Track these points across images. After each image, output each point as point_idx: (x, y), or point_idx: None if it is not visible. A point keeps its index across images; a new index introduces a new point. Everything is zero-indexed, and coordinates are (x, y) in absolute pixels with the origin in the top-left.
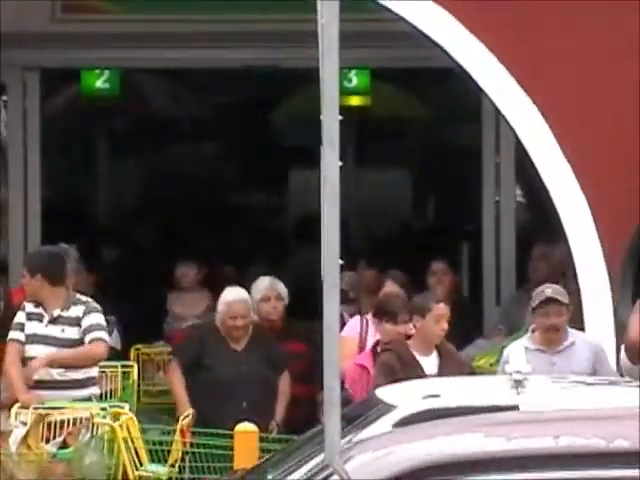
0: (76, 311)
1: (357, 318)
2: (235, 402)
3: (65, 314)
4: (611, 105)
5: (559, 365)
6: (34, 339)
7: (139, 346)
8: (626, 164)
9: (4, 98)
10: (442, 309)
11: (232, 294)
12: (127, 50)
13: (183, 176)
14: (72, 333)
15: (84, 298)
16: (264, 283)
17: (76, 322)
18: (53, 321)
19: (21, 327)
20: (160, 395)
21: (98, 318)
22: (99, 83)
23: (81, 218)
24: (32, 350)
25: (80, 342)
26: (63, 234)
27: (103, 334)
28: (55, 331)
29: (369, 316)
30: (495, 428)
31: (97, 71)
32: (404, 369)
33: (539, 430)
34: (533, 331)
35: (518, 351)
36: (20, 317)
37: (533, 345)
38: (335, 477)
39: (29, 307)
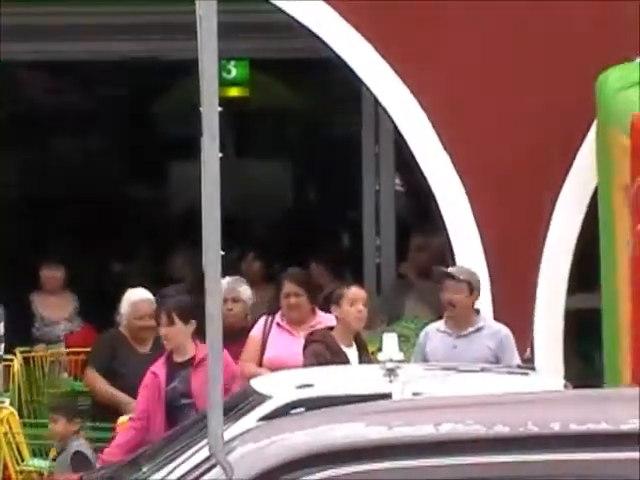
0: None
1: (263, 318)
2: None
3: None
4: (489, 93)
5: (460, 349)
6: None
7: (24, 348)
8: (503, 152)
9: None
10: (356, 292)
11: (136, 294)
12: (7, 43)
13: (63, 170)
14: None
15: None
16: (222, 284)
17: None
18: None
19: None
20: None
21: None
22: None
23: None
24: None
25: None
26: None
27: None
28: None
29: (278, 316)
30: (374, 416)
31: None
32: (333, 359)
33: (417, 417)
34: None
35: (432, 333)
36: None
37: (443, 327)
38: (217, 469)
39: None
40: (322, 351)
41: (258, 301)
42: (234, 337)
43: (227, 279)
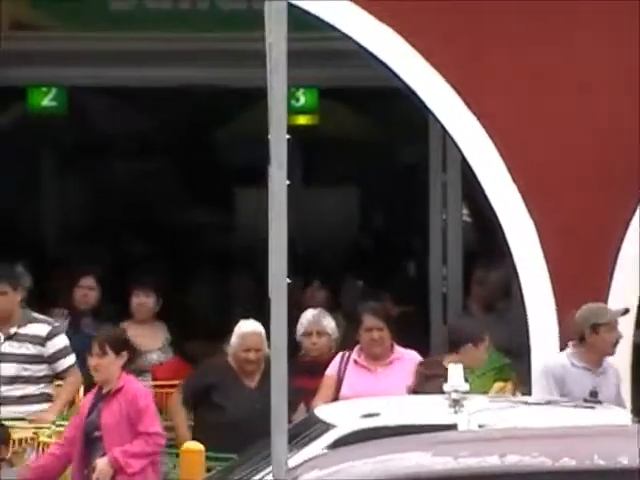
0: (36, 329)
1: (339, 355)
2: (245, 441)
3: (22, 331)
4: (559, 124)
5: (600, 385)
6: None
7: None
8: (574, 183)
9: None
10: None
11: (246, 326)
12: (73, 68)
13: (129, 195)
14: (32, 349)
15: (41, 316)
16: (307, 317)
17: (37, 340)
18: (9, 338)
19: None
20: None
21: (64, 341)
22: (46, 101)
23: (27, 237)
24: None
25: (42, 360)
26: (8, 253)
27: (73, 357)
28: (11, 348)
29: (355, 352)
30: (439, 447)
31: (44, 89)
32: None
33: (483, 448)
34: None
35: (567, 367)
36: None
37: (578, 362)
38: None
39: None
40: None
41: None
42: (318, 371)
43: (311, 312)
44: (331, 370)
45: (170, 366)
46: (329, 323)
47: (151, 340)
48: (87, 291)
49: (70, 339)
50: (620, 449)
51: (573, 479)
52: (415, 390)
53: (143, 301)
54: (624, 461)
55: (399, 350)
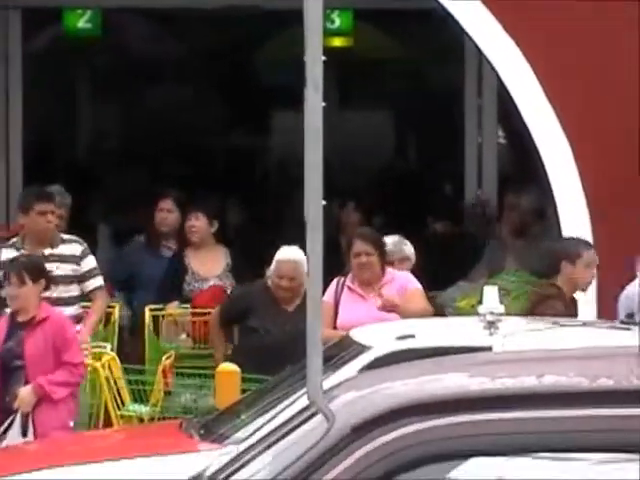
0: (70, 249)
1: (334, 281)
2: (282, 364)
3: (56, 252)
4: (598, 47)
5: None
6: None
7: (153, 306)
8: (613, 107)
9: None
10: (592, 256)
11: (283, 253)
12: None
13: (165, 118)
14: (67, 270)
15: (73, 237)
16: (387, 245)
17: (72, 260)
18: (44, 260)
19: None
20: (183, 359)
21: (94, 261)
22: (81, 23)
23: (62, 160)
24: None
25: (75, 279)
26: (44, 175)
27: (102, 279)
28: (50, 269)
29: (348, 279)
30: (476, 368)
31: (79, 11)
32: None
33: (519, 370)
34: None
35: None
36: None
37: None
38: (318, 417)
39: (8, 253)
40: (561, 308)
41: None
42: None
43: (391, 239)
44: (327, 296)
45: (209, 293)
46: (409, 249)
47: (209, 266)
48: (167, 214)
49: (148, 262)
50: None
51: (611, 399)
52: (530, 312)
53: (192, 224)
54: None
55: (390, 272)
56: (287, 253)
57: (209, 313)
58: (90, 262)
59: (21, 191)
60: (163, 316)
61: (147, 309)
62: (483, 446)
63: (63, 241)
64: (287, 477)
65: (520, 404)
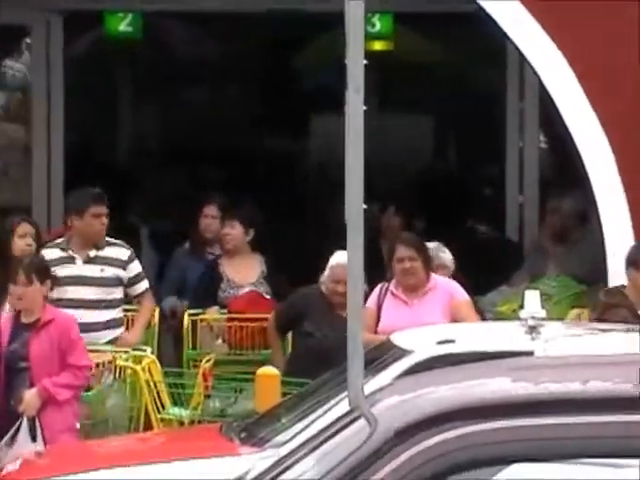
0: (116, 252)
1: (378, 287)
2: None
3: (102, 254)
4: (638, 53)
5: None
6: (69, 281)
7: (192, 311)
8: None
9: (28, 41)
10: None
11: (337, 257)
12: None
13: (206, 120)
14: (113, 273)
15: (118, 240)
16: None
17: (118, 264)
18: (89, 261)
19: None
20: (220, 364)
21: (139, 266)
22: (122, 26)
23: (103, 162)
24: (69, 292)
25: (121, 283)
26: (85, 177)
27: (147, 283)
28: (92, 271)
29: (392, 285)
30: (520, 372)
31: (120, 14)
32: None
33: (564, 374)
34: None
35: None
36: None
37: None
38: (360, 421)
39: (52, 254)
40: (628, 316)
41: None
42: None
43: (430, 245)
44: (370, 302)
45: (245, 299)
46: (447, 256)
47: (244, 274)
48: (211, 220)
49: (193, 268)
50: None
51: None
52: (598, 319)
53: (228, 232)
54: None
55: (434, 279)
56: (342, 258)
57: (245, 319)
58: (136, 267)
59: (72, 193)
60: (201, 320)
61: (186, 314)
62: (526, 451)
63: (109, 244)
64: None
65: (563, 409)
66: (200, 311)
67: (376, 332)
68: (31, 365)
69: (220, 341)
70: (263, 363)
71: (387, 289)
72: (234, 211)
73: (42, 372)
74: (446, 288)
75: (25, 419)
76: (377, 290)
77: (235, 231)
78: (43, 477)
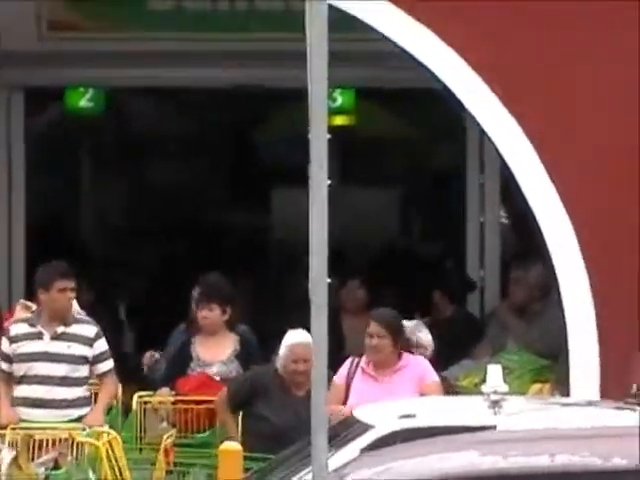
0: (83, 330)
1: (349, 360)
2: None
3: (70, 331)
4: (596, 125)
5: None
6: (35, 357)
7: (142, 393)
8: (610, 184)
9: None
10: None
11: (294, 337)
12: (112, 69)
13: (170, 194)
14: (80, 350)
15: (85, 317)
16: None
17: (85, 341)
18: (56, 337)
19: (4, 356)
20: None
21: (106, 344)
22: (83, 102)
23: (65, 237)
24: (35, 368)
25: (87, 361)
26: (47, 253)
27: (112, 362)
28: (59, 347)
29: (362, 360)
30: (486, 446)
31: (81, 89)
32: None
33: (531, 448)
34: None
35: None
36: (4, 345)
37: None
38: None
39: (20, 329)
40: None
41: (359, 330)
42: None
43: (407, 323)
44: (339, 376)
45: (194, 381)
46: (426, 335)
47: (214, 351)
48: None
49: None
50: None
51: (624, 478)
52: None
53: (205, 315)
54: None
55: (407, 358)
56: (298, 336)
57: (191, 401)
58: (102, 345)
59: (40, 267)
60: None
61: (136, 396)
62: None
63: (76, 320)
64: None
65: None
66: (149, 394)
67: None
68: None
69: (165, 424)
70: (207, 445)
71: (358, 364)
72: (213, 293)
73: None
74: (417, 368)
75: None
76: (347, 364)
77: (213, 314)
78: None
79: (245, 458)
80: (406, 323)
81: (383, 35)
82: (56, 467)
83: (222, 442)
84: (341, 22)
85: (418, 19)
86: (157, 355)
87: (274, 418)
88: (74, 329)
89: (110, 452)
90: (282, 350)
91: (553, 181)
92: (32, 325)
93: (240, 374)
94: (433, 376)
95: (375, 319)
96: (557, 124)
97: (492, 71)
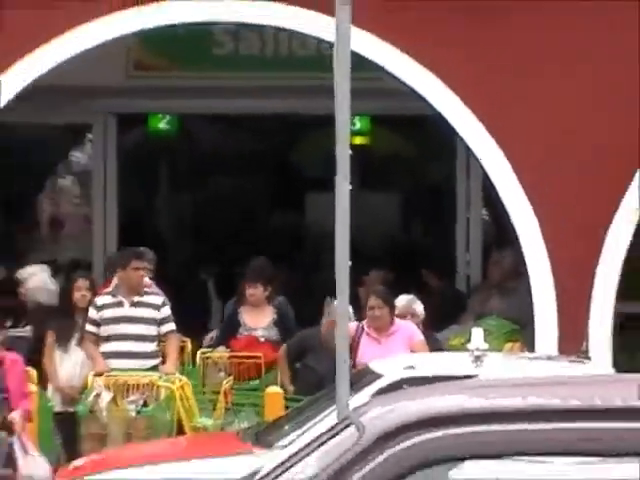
0: (153, 299)
1: (355, 324)
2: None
3: (143, 300)
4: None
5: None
6: (118, 320)
7: (204, 350)
8: (573, 187)
9: (90, 136)
10: None
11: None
12: (184, 100)
13: (228, 200)
14: (151, 314)
15: (155, 289)
16: (401, 302)
17: (154, 307)
18: (134, 305)
19: (93, 321)
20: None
21: (169, 310)
22: (161, 125)
23: (147, 234)
24: (119, 329)
25: (155, 322)
26: (133, 245)
27: (174, 324)
28: (136, 312)
29: (365, 324)
30: (473, 390)
31: (160, 115)
32: None
33: (508, 392)
34: None
35: None
36: (92, 312)
37: None
38: (350, 429)
39: (105, 300)
40: None
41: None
42: None
43: (405, 298)
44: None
45: (243, 341)
46: (419, 306)
47: (258, 319)
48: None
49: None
50: (615, 392)
51: (580, 417)
52: None
53: (252, 293)
54: (618, 402)
55: (398, 323)
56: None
57: (242, 356)
58: (167, 310)
59: (119, 251)
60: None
61: (199, 352)
62: (478, 452)
63: (147, 292)
64: (327, 475)
65: (505, 419)
66: (210, 350)
67: (354, 363)
68: (8, 396)
69: (222, 374)
70: (255, 389)
71: (362, 328)
72: (258, 274)
73: (17, 400)
74: (407, 331)
75: (15, 438)
76: (354, 326)
77: (257, 291)
78: (105, 470)
79: (287, 399)
80: (403, 297)
81: (392, 74)
82: (145, 405)
83: (267, 387)
84: (359, 63)
85: (418, 60)
86: (214, 335)
87: (318, 367)
88: (146, 298)
89: (182, 394)
90: (326, 315)
91: (523, 187)
92: (114, 296)
93: (296, 335)
94: (419, 336)
95: (375, 294)
96: (531, 145)
97: (480, 105)
